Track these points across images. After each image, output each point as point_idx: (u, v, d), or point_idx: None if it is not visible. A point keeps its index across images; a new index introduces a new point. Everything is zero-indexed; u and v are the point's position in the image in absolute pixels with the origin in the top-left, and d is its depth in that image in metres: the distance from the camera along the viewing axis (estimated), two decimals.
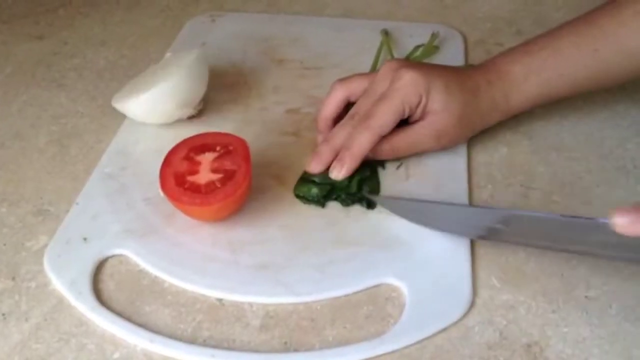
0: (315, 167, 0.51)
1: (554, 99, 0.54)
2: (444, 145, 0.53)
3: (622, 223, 0.36)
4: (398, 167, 0.54)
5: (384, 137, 0.51)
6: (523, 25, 0.72)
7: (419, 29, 0.69)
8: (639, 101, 0.60)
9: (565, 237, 0.42)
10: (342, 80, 0.54)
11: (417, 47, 0.66)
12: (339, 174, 0.50)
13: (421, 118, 0.52)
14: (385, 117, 0.50)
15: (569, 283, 0.45)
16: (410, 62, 0.53)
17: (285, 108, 0.60)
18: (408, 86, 0.50)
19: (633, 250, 0.38)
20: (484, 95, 0.52)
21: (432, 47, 0.66)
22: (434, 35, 0.67)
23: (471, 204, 0.51)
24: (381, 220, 0.49)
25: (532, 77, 0.52)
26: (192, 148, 0.49)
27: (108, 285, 0.46)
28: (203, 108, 0.59)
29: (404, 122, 0.52)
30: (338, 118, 0.54)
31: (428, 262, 0.46)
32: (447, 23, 0.71)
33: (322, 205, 0.50)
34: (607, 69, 0.52)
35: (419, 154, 0.54)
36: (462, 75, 0.53)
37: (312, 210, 0.50)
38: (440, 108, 0.51)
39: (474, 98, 0.52)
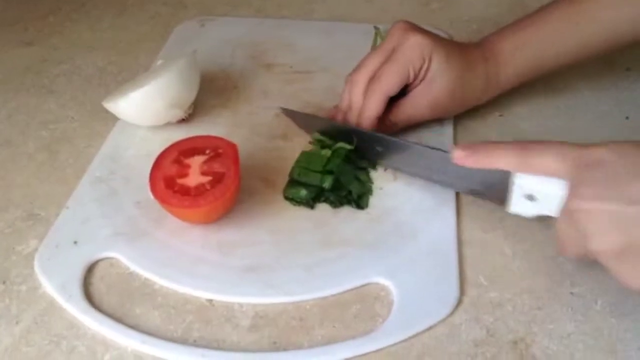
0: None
1: (540, 72, 0.57)
2: (436, 114, 0.56)
3: (457, 155, 0.45)
4: (386, 169, 0.54)
5: (385, 112, 0.53)
6: None
7: None
8: (623, 101, 0.61)
9: (429, 165, 0.50)
10: (356, 70, 0.55)
11: None
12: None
13: (419, 85, 0.54)
14: (391, 79, 0.52)
15: (554, 280, 0.46)
16: (417, 26, 0.55)
17: (275, 112, 0.61)
18: (414, 48, 0.52)
19: (477, 183, 0.47)
20: (480, 71, 0.55)
21: None
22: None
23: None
24: (369, 221, 0.50)
25: (518, 53, 0.55)
26: (182, 151, 0.50)
27: (99, 288, 0.46)
28: (193, 112, 0.60)
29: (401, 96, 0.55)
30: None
31: (416, 261, 0.46)
32: (434, 25, 0.72)
33: (311, 207, 0.51)
34: (587, 42, 0.55)
35: None
36: (463, 48, 0.55)
37: (300, 211, 0.51)
38: (439, 74, 0.53)
39: (470, 72, 0.54)
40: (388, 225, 0.50)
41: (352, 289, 0.45)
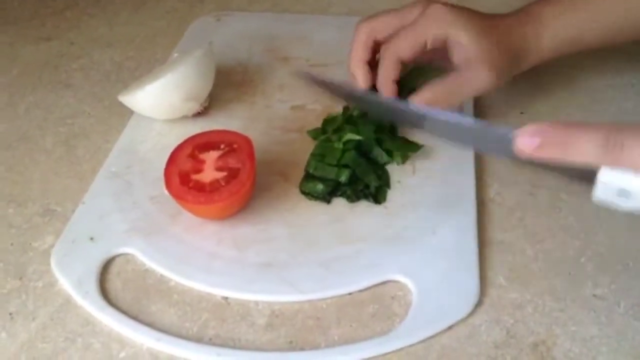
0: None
1: (585, 44, 0.54)
2: (478, 89, 0.52)
3: (523, 144, 0.35)
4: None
5: (434, 83, 0.51)
6: None
7: None
8: None
9: (483, 140, 0.40)
10: (366, 19, 0.54)
11: None
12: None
13: (458, 64, 0.51)
14: (403, 41, 0.51)
15: (576, 281, 0.45)
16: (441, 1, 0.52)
17: (290, 105, 0.60)
18: (432, 16, 0.51)
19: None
20: (516, 33, 0.52)
21: None
22: None
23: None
24: (387, 216, 0.49)
25: (562, 18, 0.53)
26: (197, 146, 0.50)
27: (114, 284, 0.46)
28: (208, 106, 0.59)
29: None
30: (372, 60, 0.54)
31: (435, 259, 0.46)
32: None
33: (328, 201, 0.50)
34: (633, 20, 0.52)
35: (426, 148, 0.54)
36: (493, 17, 0.53)
37: (317, 206, 0.50)
38: (465, 42, 0.50)
39: (506, 37, 0.52)
40: (406, 220, 0.49)
41: (369, 287, 0.45)
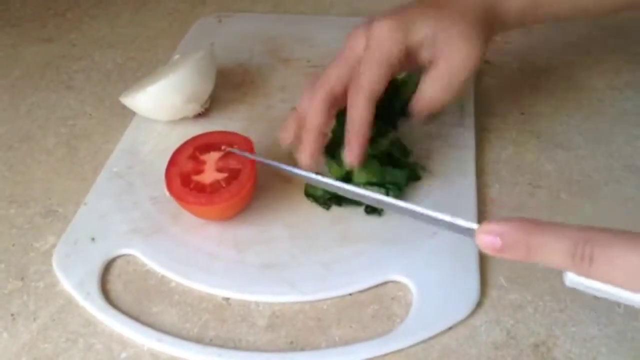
0: (353, 159, 0.46)
1: (553, 10, 0.49)
2: (468, 66, 0.46)
3: (485, 244, 0.33)
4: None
5: (420, 91, 0.47)
6: None
7: None
8: None
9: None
10: (316, 82, 0.47)
11: None
12: (352, 160, 0.46)
13: (431, 59, 0.46)
14: (373, 82, 0.45)
15: None
16: (377, 16, 0.46)
17: (291, 106, 0.60)
18: (384, 40, 0.45)
19: None
20: (478, 5, 0.47)
21: None
22: None
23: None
24: (387, 218, 0.49)
25: None
26: (198, 147, 0.50)
27: (116, 285, 0.46)
28: (210, 107, 0.60)
29: None
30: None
31: (435, 260, 0.46)
32: None
33: (327, 207, 0.50)
34: None
35: (427, 149, 0.53)
36: (440, 5, 0.47)
37: (318, 208, 0.50)
38: (436, 39, 0.46)
39: (466, 11, 0.46)
40: (407, 221, 0.48)
41: (369, 288, 0.45)
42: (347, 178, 0.50)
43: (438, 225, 0.37)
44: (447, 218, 0.36)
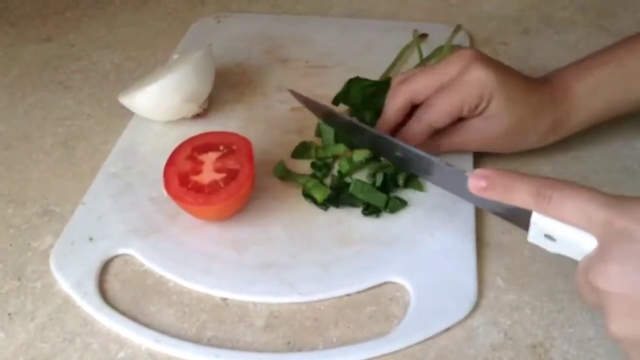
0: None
1: (616, 115, 0.52)
2: (485, 150, 0.53)
3: (473, 185, 0.39)
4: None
5: (439, 131, 0.51)
6: (529, 24, 0.72)
7: (425, 29, 0.69)
8: None
9: (449, 181, 0.45)
10: (404, 80, 0.52)
11: (439, 48, 0.66)
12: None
13: (474, 120, 0.50)
14: (441, 113, 0.49)
15: (574, 283, 0.45)
16: (485, 56, 0.50)
17: (290, 106, 0.60)
18: (473, 85, 0.48)
19: (498, 206, 0.41)
20: (546, 115, 0.50)
21: (454, 46, 0.66)
22: (457, 29, 0.67)
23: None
24: (386, 219, 0.49)
25: (597, 94, 0.50)
26: (196, 147, 0.50)
27: (113, 285, 0.46)
28: (208, 107, 0.60)
29: None
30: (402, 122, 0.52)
31: (433, 261, 0.46)
32: (452, 22, 0.71)
33: (325, 209, 0.50)
34: None
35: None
36: (530, 88, 0.50)
37: (316, 208, 0.50)
38: (497, 117, 0.49)
39: (534, 113, 0.50)
40: (405, 222, 0.49)
41: (367, 289, 0.45)
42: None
43: (434, 170, 0.46)
44: (443, 163, 0.45)
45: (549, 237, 0.39)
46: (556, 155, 0.55)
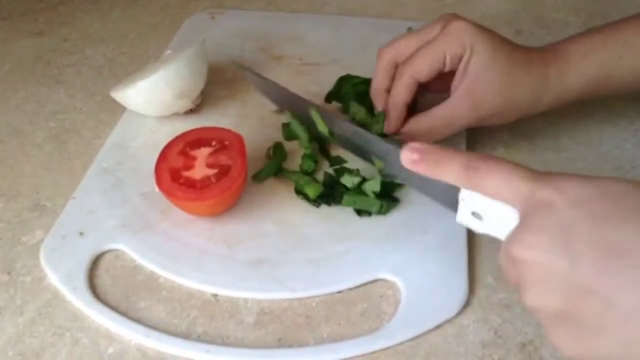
0: (387, 127, 0.52)
1: (612, 86, 0.51)
2: (483, 119, 0.50)
3: (405, 158, 0.39)
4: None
5: (419, 115, 0.50)
6: (523, 25, 0.72)
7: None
8: (637, 101, 0.60)
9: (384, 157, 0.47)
10: (387, 44, 0.52)
11: None
12: (388, 128, 0.52)
13: (460, 82, 0.49)
14: (422, 60, 0.49)
15: None
16: (465, 18, 0.50)
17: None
18: (454, 33, 0.48)
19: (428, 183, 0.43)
20: (535, 72, 0.49)
21: None
22: None
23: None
24: (377, 215, 0.49)
25: (590, 56, 0.49)
26: (188, 143, 0.50)
27: (103, 280, 0.46)
28: (201, 103, 0.59)
29: None
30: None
31: (424, 259, 0.46)
32: None
33: (317, 205, 0.50)
34: None
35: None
36: (515, 46, 0.50)
37: (307, 205, 0.50)
38: (482, 69, 0.48)
39: (523, 71, 0.49)
40: (396, 219, 0.49)
41: (358, 286, 0.45)
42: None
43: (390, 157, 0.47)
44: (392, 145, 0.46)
45: (476, 215, 0.39)
46: (548, 155, 0.55)
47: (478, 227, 0.40)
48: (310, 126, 0.53)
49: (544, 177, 0.35)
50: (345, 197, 0.49)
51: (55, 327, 0.43)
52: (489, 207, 0.38)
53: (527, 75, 0.49)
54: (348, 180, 0.50)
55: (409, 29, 0.68)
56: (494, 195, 0.37)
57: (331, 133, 0.53)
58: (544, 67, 0.49)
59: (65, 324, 0.43)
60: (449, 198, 0.42)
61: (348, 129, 0.51)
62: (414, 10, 0.75)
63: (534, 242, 0.33)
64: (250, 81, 0.54)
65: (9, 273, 0.47)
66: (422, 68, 0.49)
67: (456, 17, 0.50)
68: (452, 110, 0.50)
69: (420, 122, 0.51)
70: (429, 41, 0.49)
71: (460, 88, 0.49)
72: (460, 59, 0.48)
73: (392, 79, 0.52)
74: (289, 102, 0.56)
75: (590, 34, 0.51)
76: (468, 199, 0.39)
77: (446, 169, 0.38)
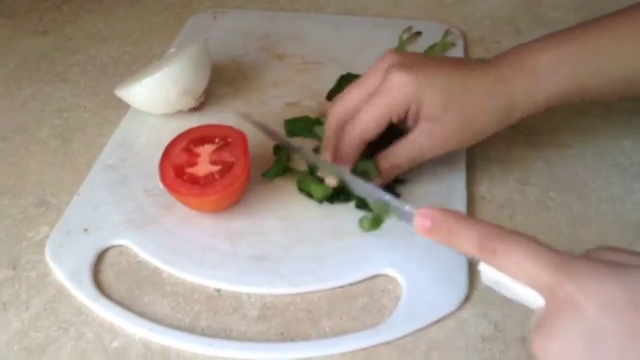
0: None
1: (587, 96, 0.48)
2: (449, 149, 0.49)
3: (419, 226, 0.37)
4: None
5: (381, 156, 0.48)
6: (522, 24, 0.72)
7: (420, 27, 0.70)
8: (636, 99, 0.60)
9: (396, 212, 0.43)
10: (333, 101, 0.50)
11: (432, 46, 0.66)
12: (333, 182, 0.49)
13: (417, 124, 0.47)
14: (367, 123, 0.47)
15: None
16: (406, 58, 0.47)
17: (285, 102, 0.61)
18: (395, 90, 0.46)
19: None
20: (497, 94, 0.46)
21: (447, 44, 0.67)
22: (448, 32, 0.68)
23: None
24: None
25: (563, 68, 0.46)
26: (192, 140, 0.50)
27: (108, 275, 0.47)
28: (204, 101, 0.60)
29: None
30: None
31: (425, 254, 0.46)
32: (446, 21, 0.72)
33: (320, 201, 0.51)
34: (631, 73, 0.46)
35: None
36: (469, 73, 0.47)
37: (310, 201, 0.51)
38: (438, 114, 0.46)
39: (482, 99, 0.46)
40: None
41: (360, 281, 0.45)
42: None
43: (389, 208, 0.43)
44: (394, 202, 0.42)
45: (495, 284, 0.36)
46: (547, 150, 0.55)
47: (501, 292, 0.36)
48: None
49: (566, 269, 0.32)
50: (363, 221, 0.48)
51: (60, 321, 0.44)
52: (511, 284, 0.35)
53: (487, 100, 0.47)
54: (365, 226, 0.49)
55: (409, 29, 0.69)
56: (514, 277, 0.34)
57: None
58: (504, 84, 0.47)
59: (70, 318, 0.44)
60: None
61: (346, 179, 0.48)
62: (414, 9, 0.76)
63: (559, 350, 0.31)
64: (253, 126, 0.53)
65: (14, 268, 0.47)
66: (369, 128, 0.47)
67: (396, 64, 0.47)
68: (415, 147, 0.48)
69: (386, 159, 0.49)
70: (372, 94, 0.47)
71: (420, 132, 0.47)
72: (407, 111, 0.46)
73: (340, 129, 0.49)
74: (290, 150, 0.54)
75: (558, 44, 0.47)
76: (487, 272, 0.35)
77: (460, 243, 0.36)
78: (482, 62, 0.49)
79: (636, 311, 0.30)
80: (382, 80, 0.47)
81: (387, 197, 0.43)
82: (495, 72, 0.47)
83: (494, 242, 0.34)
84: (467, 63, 0.49)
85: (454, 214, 0.36)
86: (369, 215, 0.48)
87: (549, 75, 0.46)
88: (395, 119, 0.47)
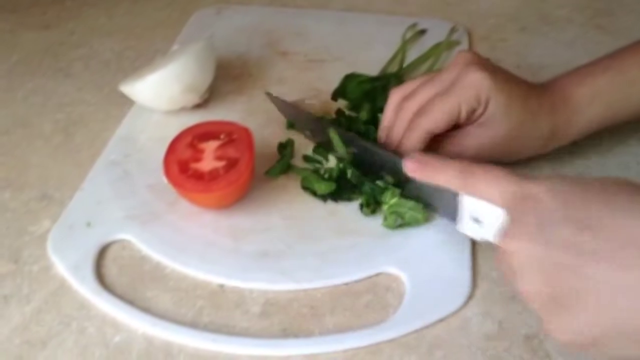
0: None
1: (617, 122, 0.51)
2: (483, 159, 0.47)
3: (408, 166, 0.44)
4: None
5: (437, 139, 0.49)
6: (527, 22, 0.72)
7: (424, 24, 0.69)
8: None
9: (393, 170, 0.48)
10: (402, 95, 0.51)
11: (437, 44, 0.66)
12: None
13: (472, 126, 0.49)
14: (437, 118, 0.47)
15: None
16: (481, 58, 0.49)
17: (289, 99, 0.61)
18: (469, 88, 0.47)
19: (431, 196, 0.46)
20: (545, 120, 0.49)
21: (452, 42, 0.67)
22: (453, 29, 0.68)
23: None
24: (382, 211, 0.50)
25: (596, 100, 0.49)
26: (196, 136, 0.50)
27: (111, 270, 0.46)
28: (208, 98, 0.60)
29: None
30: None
31: (428, 253, 0.46)
32: (450, 19, 0.71)
33: (324, 200, 0.51)
34: None
35: None
36: (528, 93, 0.49)
37: (314, 200, 0.51)
38: (495, 121, 0.48)
39: (532, 119, 0.49)
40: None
41: (363, 279, 0.45)
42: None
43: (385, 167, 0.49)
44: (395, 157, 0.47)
45: (475, 220, 0.42)
46: (552, 151, 0.55)
47: (477, 233, 0.43)
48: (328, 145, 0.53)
49: (529, 177, 0.37)
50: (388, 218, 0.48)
51: (62, 316, 0.44)
52: (485, 211, 0.40)
53: (536, 126, 0.49)
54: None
55: (413, 26, 0.69)
56: (487, 199, 0.40)
57: (348, 153, 0.52)
58: (553, 115, 0.49)
59: (71, 313, 0.44)
60: (453, 212, 0.44)
61: (364, 147, 0.50)
62: (418, 6, 0.75)
63: (516, 232, 0.36)
64: (271, 101, 0.55)
65: (16, 262, 0.47)
66: (438, 121, 0.48)
67: (474, 62, 0.48)
68: (457, 147, 0.50)
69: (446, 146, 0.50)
70: (445, 90, 0.48)
71: (468, 130, 0.49)
72: (474, 112, 0.48)
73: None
74: (305, 122, 0.55)
75: (593, 77, 0.50)
76: (466, 204, 0.42)
77: (443, 174, 0.42)
78: (537, 84, 0.51)
79: (581, 189, 0.35)
80: (458, 76, 0.48)
81: (393, 156, 0.47)
82: (547, 99, 0.49)
83: (472, 167, 0.40)
84: (527, 82, 0.50)
85: (437, 155, 0.44)
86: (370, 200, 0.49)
87: (585, 108, 0.50)
88: (463, 118, 0.48)
